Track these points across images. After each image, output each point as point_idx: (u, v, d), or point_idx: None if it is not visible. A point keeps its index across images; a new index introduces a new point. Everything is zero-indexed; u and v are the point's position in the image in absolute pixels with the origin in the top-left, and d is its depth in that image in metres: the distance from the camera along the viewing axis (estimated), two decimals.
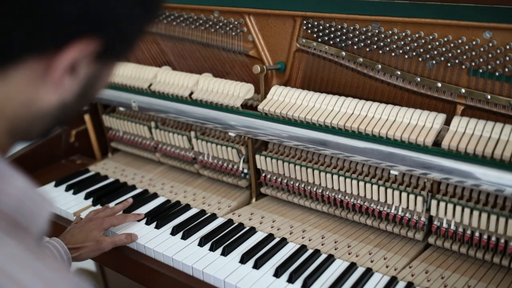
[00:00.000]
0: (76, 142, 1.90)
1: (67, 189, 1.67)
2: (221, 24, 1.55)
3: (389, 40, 1.25)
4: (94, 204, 1.58)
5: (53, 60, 0.57)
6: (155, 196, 1.60)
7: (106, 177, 1.74)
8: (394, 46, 1.25)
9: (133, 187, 1.66)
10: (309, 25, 1.38)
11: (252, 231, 1.38)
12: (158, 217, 1.47)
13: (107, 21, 0.58)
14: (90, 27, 0.57)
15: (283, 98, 1.38)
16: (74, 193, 1.65)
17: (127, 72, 1.74)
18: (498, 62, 1.12)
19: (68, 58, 0.57)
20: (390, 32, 1.24)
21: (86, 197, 1.62)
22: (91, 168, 1.81)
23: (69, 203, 1.59)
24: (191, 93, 1.55)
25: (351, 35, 1.31)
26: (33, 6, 0.53)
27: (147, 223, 1.45)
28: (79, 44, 0.56)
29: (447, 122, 1.17)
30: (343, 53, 1.33)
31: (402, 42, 1.23)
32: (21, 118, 0.61)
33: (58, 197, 1.62)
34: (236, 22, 1.51)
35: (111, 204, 1.54)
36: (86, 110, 1.86)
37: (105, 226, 1.36)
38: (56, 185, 1.70)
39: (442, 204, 1.17)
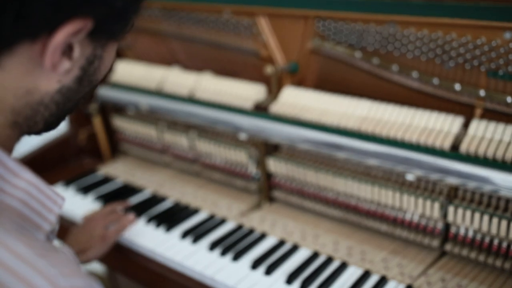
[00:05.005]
0: (84, 143, 1.88)
1: (75, 191, 1.65)
2: (232, 23, 1.52)
3: (405, 40, 1.22)
4: (102, 206, 1.56)
5: (46, 44, 0.55)
6: (164, 199, 1.58)
7: (114, 179, 1.72)
8: (410, 46, 1.21)
9: (142, 190, 1.64)
10: (323, 25, 1.34)
11: (263, 236, 1.35)
12: (168, 221, 1.44)
13: None
14: (80, 7, 0.55)
15: (296, 99, 1.35)
16: (82, 195, 1.63)
17: (136, 72, 1.72)
18: None
19: (58, 39, 0.55)
20: (406, 32, 1.21)
21: (94, 199, 1.60)
22: (99, 170, 1.79)
23: (77, 204, 1.58)
24: (201, 94, 1.52)
25: (366, 35, 1.28)
26: None
27: (157, 227, 1.43)
28: (70, 25, 0.55)
29: (465, 126, 1.14)
30: (358, 54, 1.30)
31: (419, 43, 1.20)
32: (22, 107, 0.60)
33: (66, 199, 1.60)
34: (248, 22, 1.48)
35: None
36: (95, 111, 1.84)
37: (106, 222, 1.34)
38: (64, 187, 1.68)
39: (460, 210, 1.13)
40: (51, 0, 0.52)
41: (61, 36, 0.55)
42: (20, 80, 0.58)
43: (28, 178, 0.61)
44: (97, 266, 2.07)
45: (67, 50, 0.58)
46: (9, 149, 0.63)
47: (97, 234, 1.30)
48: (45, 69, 0.58)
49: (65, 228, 1.47)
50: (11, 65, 0.56)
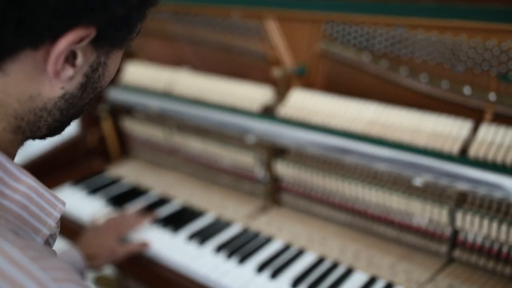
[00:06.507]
0: (94, 145, 1.89)
1: (84, 192, 1.66)
2: (241, 26, 1.52)
3: (413, 43, 1.20)
4: (110, 207, 1.56)
5: (50, 51, 0.55)
6: (171, 201, 1.58)
7: (123, 180, 1.73)
8: (419, 49, 1.19)
9: (150, 191, 1.64)
10: (331, 28, 1.33)
11: (270, 239, 1.35)
12: (175, 223, 1.44)
13: (98, 7, 0.55)
14: (82, 15, 0.55)
15: (303, 102, 1.34)
16: (91, 196, 1.63)
17: (146, 74, 1.72)
18: None
19: (61, 47, 0.55)
20: (415, 35, 1.19)
21: (103, 200, 1.60)
22: (108, 171, 1.80)
23: (85, 205, 1.58)
24: (210, 96, 1.52)
25: (374, 38, 1.26)
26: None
27: (163, 229, 1.42)
28: (72, 33, 0.55)
29: (474, 130, 1.12)
30: (366, 56, 1.28)
31: (428, 46, 1.18)
32: (26, 113, 0.60)
33: (74, 200, 1.61)
34: (256, 25, 1.48)
35: (128, 208, 1.52)
36: (105, 113, 1.85)
37: (119, 234, 1.35)
38: (73, 188, 1.69)
39: (468, 215, 1.11)
40: (53, 9, 0.52)
41: (63, 44, 0.55)
42: (24, 86, 0.58)
43: (29, 182, 0.61)
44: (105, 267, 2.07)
45: (71, 57, 0.58)
46: (11, 154, 0.63)
47: (108, 245, 1.31)
48: (48, 76, 0.58)
49: (70, 229, 1.48)
50: (14, 71, 0.56)
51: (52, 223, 0.63)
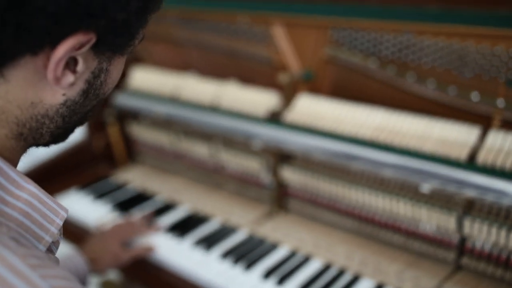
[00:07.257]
0: (100, 150, 1.89)
1: (90, 197, 1.66)
2: (248, 31, 1.51)
3: (421, 49, 1.19)
4: (115, 212, 1.56)
5: (49, 57, 0.55)
6: (177, 206, 1.57)
7: (129, 186, 1.73)
8: (426, 55, 1.19)
9: (156, 197, 1.64)
10: (338, 33, 1.33)
11: (276, 245, 1.34)
12: (181, 229, 1.44)
13: (98, 12, 0.54)
14: (81, 20, 0.54)
15: (310, 108, 1.34)
16: (96, 201, 1.63)
17: (153, 79, 1.72)
18: None
19: (60, 53, 0.54)
20: (422, 40, 1.19)
21: (109, 205, 1.60)
22: (114, 176, 1.80)
23: (91, 210, 1.58)
24: (217, 102, 1.52)
25: (381, 43, 1.26)
26: (17, 5, 0.51)
27: (169, 234, 1.42)
28: (71, 39, 0.54)
29: (482, 137, 1.11)
30: (373, 62, 1.28)
31: (435, 52, 1.17)
32: (27, 119, 0.60)
33: (80, 205, 1.61)
34: (263, 30, 1.47)
35: (133, 213, 1.52)
36: (112, 118, 1.85)
37: (123, 239, 1.35)
38: (79, 193, 1.69)
39: (476, 223, 1.10)
40: (52, 14, 0.52)
41: (62, 50, 0.54)
42: (25, 92, 0.57)
43: (31, 190, 0.60)
44: (110, 272, 2.07)
45: (72, 64, 0.58)
46: (14, 161, 0.63)
47: (112, 249, 1.32)
48: (48, 82, 0.57)
49: (77, 234, 1.48)
50: (15, 77, 0.56)
51: (55, 230, 0.63)
